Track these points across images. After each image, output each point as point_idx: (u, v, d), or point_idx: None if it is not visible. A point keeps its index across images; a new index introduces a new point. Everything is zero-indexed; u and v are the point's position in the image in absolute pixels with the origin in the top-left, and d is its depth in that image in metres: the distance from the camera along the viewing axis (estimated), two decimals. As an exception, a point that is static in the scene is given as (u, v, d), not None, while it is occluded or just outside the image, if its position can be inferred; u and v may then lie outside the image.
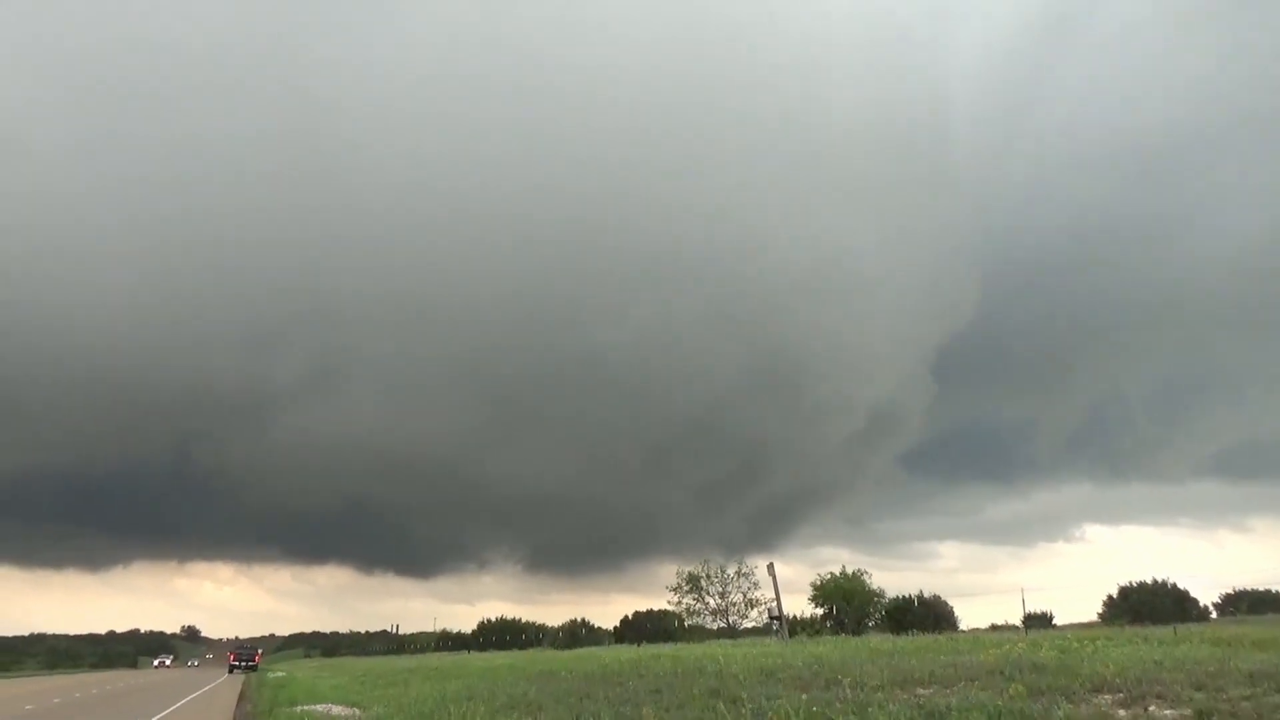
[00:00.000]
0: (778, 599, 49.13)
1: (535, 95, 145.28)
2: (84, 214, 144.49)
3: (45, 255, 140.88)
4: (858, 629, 55.06)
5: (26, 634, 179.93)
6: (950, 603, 61.11)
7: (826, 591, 59.49)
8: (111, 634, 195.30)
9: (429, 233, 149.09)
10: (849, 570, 60.32)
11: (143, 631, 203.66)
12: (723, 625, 61.66)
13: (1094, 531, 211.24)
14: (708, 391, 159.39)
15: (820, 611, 59.95)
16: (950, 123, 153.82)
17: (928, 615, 56.88)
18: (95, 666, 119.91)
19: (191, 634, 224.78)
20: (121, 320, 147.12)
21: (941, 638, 33.65)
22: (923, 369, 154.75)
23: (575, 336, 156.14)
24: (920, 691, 13.92)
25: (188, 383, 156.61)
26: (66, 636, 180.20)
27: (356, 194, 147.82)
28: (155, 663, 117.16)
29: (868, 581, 59.90)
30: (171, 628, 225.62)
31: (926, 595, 60.85)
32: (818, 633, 53.65)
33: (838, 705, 12.67)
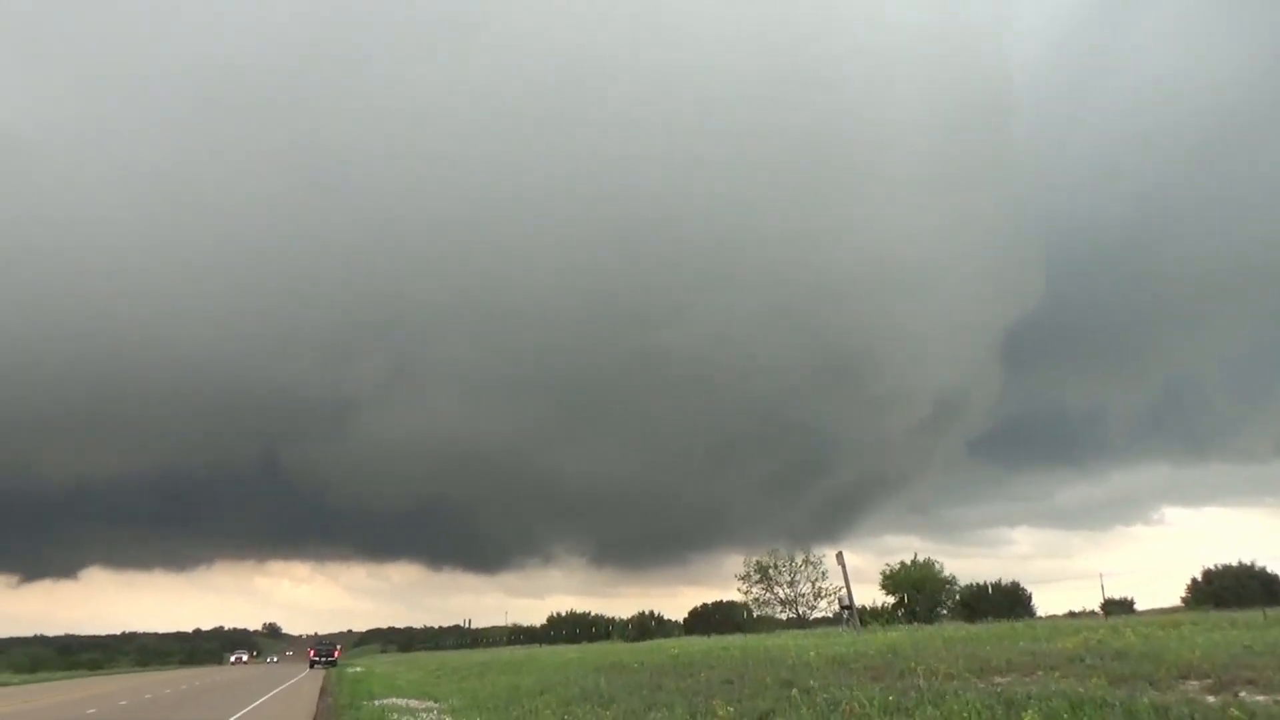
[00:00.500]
0: (848, 588, 48.73)
1: (598, 98, 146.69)
2: (177, 229, 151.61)
3: (141, 268, 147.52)
4: (930, 617, 54.26)
5: (119, 632, 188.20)
6: (1026, 589, 59.90)
7: (897, 580, 58.76)
8: (198, 631, 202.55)
9: (498, 239, 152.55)
10: (918, 558, 59.55)
11: (227, 629, 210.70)
12: (792, 616, 61.34)
13: (1174, 514, 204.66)
14: (771, 385, 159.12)
15: (891, 600, 59.31)
16: (1012, 103, 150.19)
17: (1002, 602, 55.75)
18: (183, 663, 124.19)
19: (273, 631, 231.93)
20: (212, 330, 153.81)
21: (1018, 625, 32.95)
22: (990, 354, 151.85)
23: (639, 335, 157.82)
24: (998, 680, 13.67)
25: (272, 389, 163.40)
26: (156, 634, 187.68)
27: (430, 204, 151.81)
28: (232, 659, 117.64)
29: (939, 569, 59.03)
30: (254, 625, 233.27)
31: (1000, 582, 59.71)
32: (889, 622, 53.01)
33: (913, 695, 12.51)
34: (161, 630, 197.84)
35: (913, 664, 15.84)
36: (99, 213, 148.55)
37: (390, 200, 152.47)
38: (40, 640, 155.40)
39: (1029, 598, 59.28)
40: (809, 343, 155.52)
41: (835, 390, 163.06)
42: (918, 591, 57.41)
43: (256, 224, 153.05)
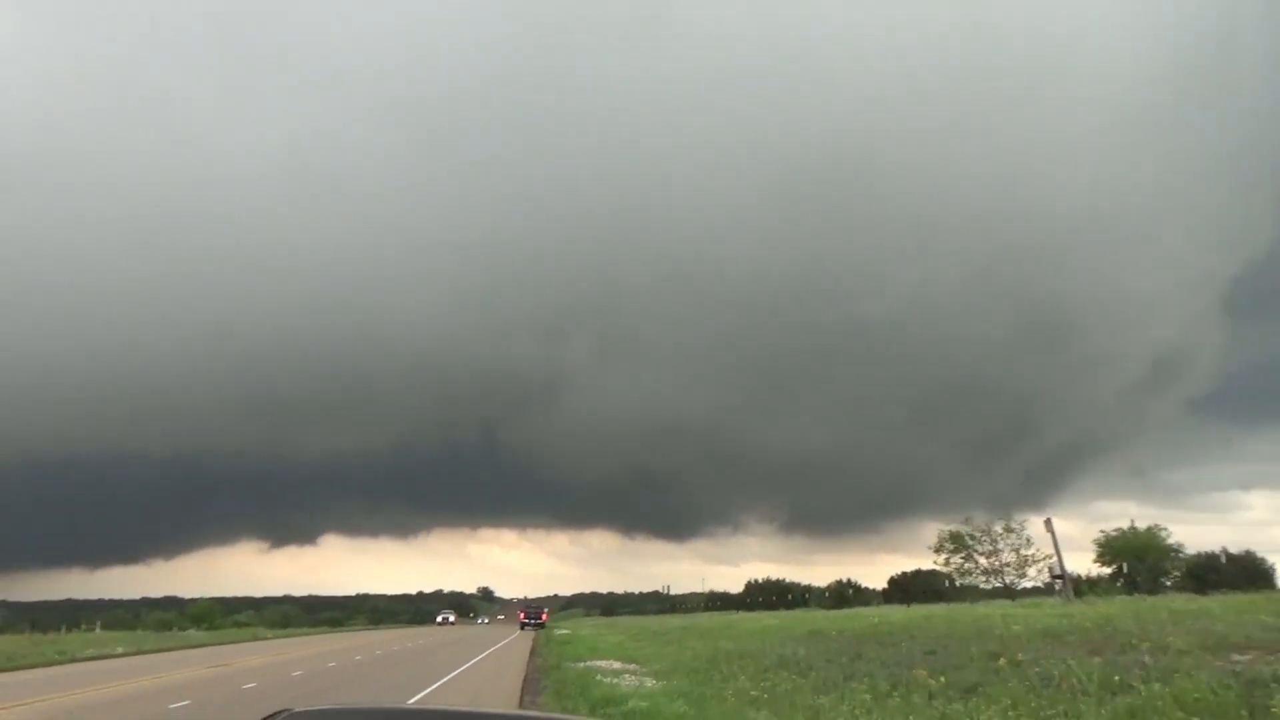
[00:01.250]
0: (1059, 556, 45.90)
1: (791, 79, 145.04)
2: (408, 232, 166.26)
3: (379, 269, 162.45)
4: (1153, 588, 50.34)
5: (354, 594, 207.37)
6: (1265, 559, 54.30)
7: (1114, 548, 54.92)
8: (420, 594, 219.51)
9: (700, 222, 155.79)
10: (1137, 524, 55.31)
11: (445, 592, 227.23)
12: (998, 585, 58.39)
13: None
14: (974, 351, 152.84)
15: (1107, 570, 55.49)
16: (1234, 33, 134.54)
17: (1237, 573, 50.86)
18: (409, 623, 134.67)
19: (486, 594, 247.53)
20: (442, 319, 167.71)
21: (1258, 597, 29.97)
22: (1213, 306, 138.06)
23: (839, 308, 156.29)
24: (1236, 658, 12.56)
25: (492, 370, 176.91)
26: (385, 596, 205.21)
27: (634, 192, 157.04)
28: (439, 619, 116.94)
29: (1163, 536, 54.63)
30: (469, 588, 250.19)
31: (1233, 550, 54.49)
32: (1106, 592, 49.62)
33: (1136, 671, 11.74)
34: (389, 592, 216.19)
35: (1135, 638, 14.84)
36: (346, 225, 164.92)
37: (597, 191, 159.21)
38: (288, 600, 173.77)
39: (1270, 568, 53.72)
40: (1013, 306, 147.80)
41: (1041, 352, 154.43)
42: (1138, 560, 53.35)
43: (478, 223, 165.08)
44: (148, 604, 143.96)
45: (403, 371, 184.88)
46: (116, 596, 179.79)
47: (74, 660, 32.27)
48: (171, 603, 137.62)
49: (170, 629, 74.38)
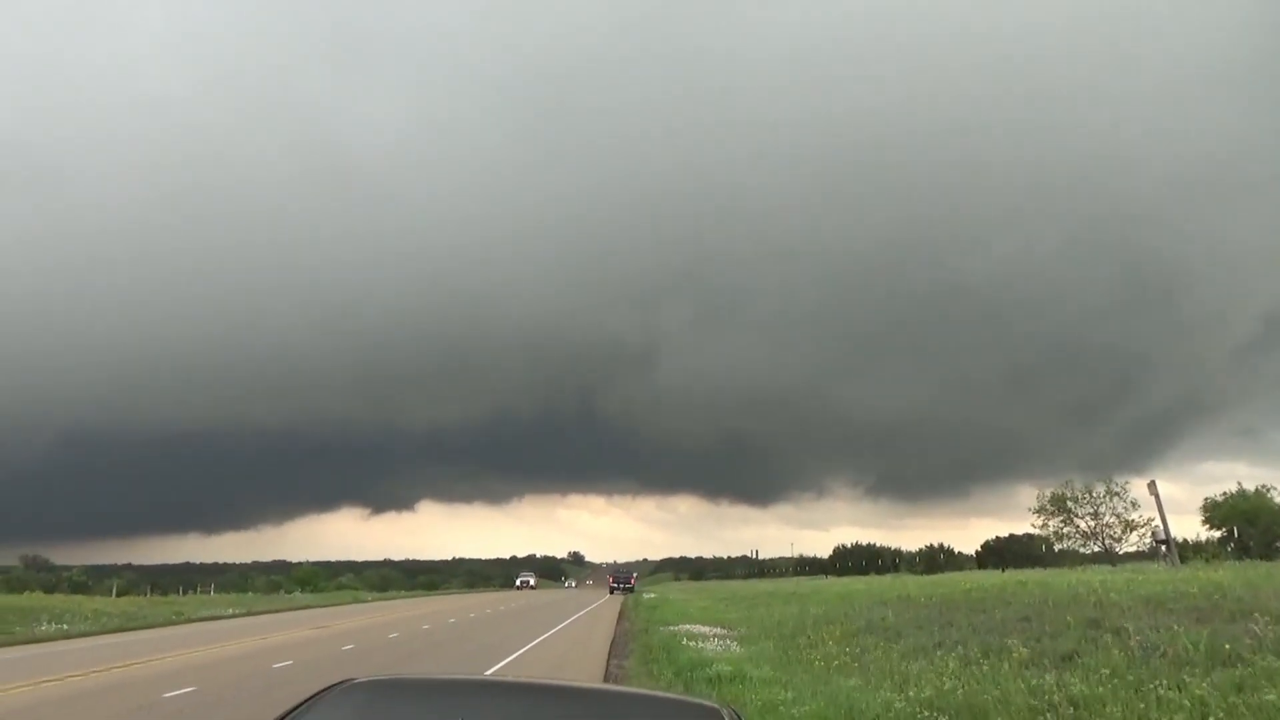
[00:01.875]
0: (1163, 520, 43.72)
1: (885, 48, 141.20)
2: (506, 208, 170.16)
3: (480, 247, 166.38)
4: (1266, 554, 47.88)
5: (450, 558, 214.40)
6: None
7: (1224, 511, 52.46)
8: (514, 558, 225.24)
9: (795, 189, 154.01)
10: (1246, 487, 52.63)
11: (538, 556, 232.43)
12: (1097, 549, 56.41)
13: None
14: (1073, 312, 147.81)
15: (1215, 534, 53.09)
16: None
17: (1364, 537, 48.00)
18: (502, 587, 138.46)
19: (577, 558, 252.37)
20: (540, 292, 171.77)
21: (1385, 564, 28.18)
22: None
23: (936, 270, 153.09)
24: (1359, 628, 11.74)
25: (589, 339, 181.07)
26: (480, 560, 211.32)
27: (729, 165, 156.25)
28: (518, 582, 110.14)
29: (1274, 499, 51.88)
30: (560, 552, 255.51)
31: (1360, 514, 51.36)
32: (1214, 558, 47.41)
33: (1246, 641, 11.06)
34: (484, 557, 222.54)
35: (1247, 606, 14.04)
36: (457, 206, 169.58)
37: (694, 163, 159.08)
38: (388, 564, 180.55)
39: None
40: (1115, 266, 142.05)
41: (1144, 312, 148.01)
42: (1250, 525, 50.84)
43: (575, 201, 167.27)
44: (258, 568, 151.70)
45: (507, 345, 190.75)
46: (230, 560, 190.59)
47: (189, 620, 34.19)
48: (279, 567, 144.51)
49: (278, 591, 78.22)
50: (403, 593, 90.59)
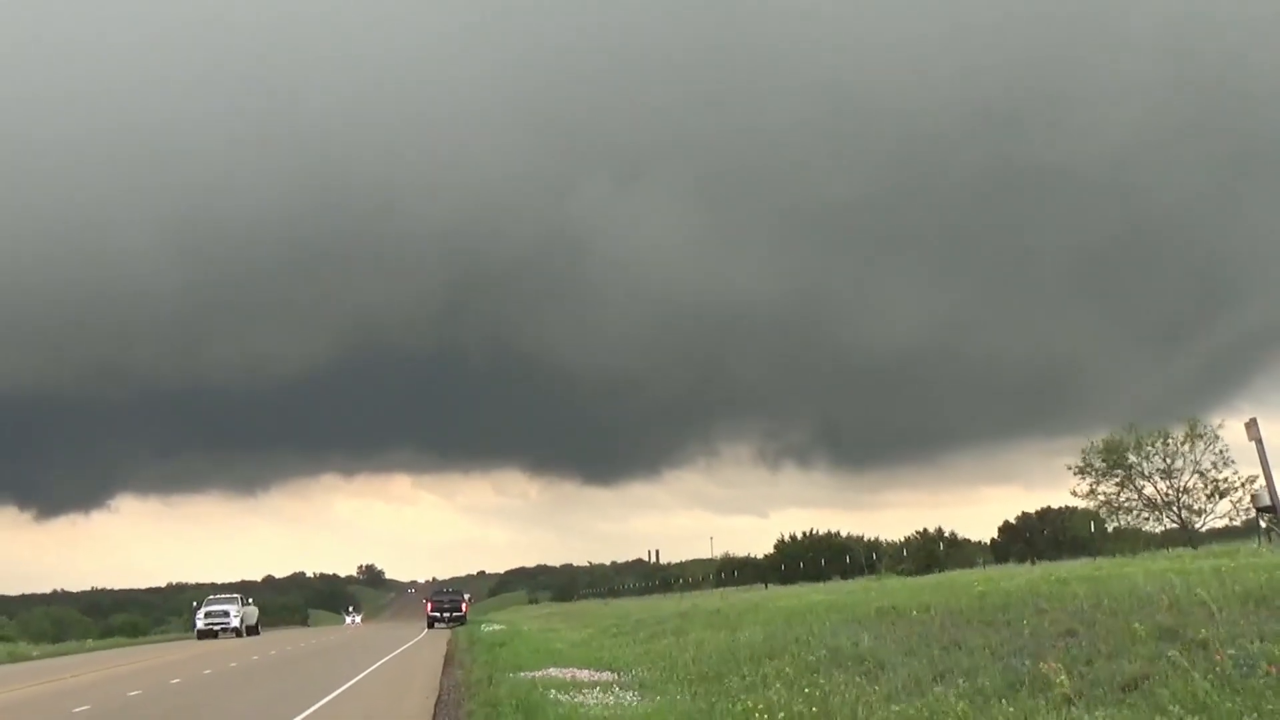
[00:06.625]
0: (1268, 479, 33.03)
1: None
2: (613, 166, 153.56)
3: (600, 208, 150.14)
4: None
5: (163, 584, 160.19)
6: None
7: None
8: (269, 580, 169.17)
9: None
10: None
11: (310, 575, 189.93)
12: (1173, 524, 45.70)
13: None
14: (1161, 199, 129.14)
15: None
16: None
17: None
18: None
19: (372, 577, 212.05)
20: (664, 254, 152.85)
21: None
22: None
23: (984, 152, 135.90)
24: None
25: (720, 303, 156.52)
26: (213, 586, 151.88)
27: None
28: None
29: None
30: (346, 569, 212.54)
31: None
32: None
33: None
34: (219, 579, 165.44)
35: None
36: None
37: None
38: (61, 597, 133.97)
39: None
40: (1217, 142, 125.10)
41: (1252, 201, 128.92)
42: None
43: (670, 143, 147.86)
44: None
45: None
46: None
47: None
48: None
49: None
50: (90, 642, 54.56)
